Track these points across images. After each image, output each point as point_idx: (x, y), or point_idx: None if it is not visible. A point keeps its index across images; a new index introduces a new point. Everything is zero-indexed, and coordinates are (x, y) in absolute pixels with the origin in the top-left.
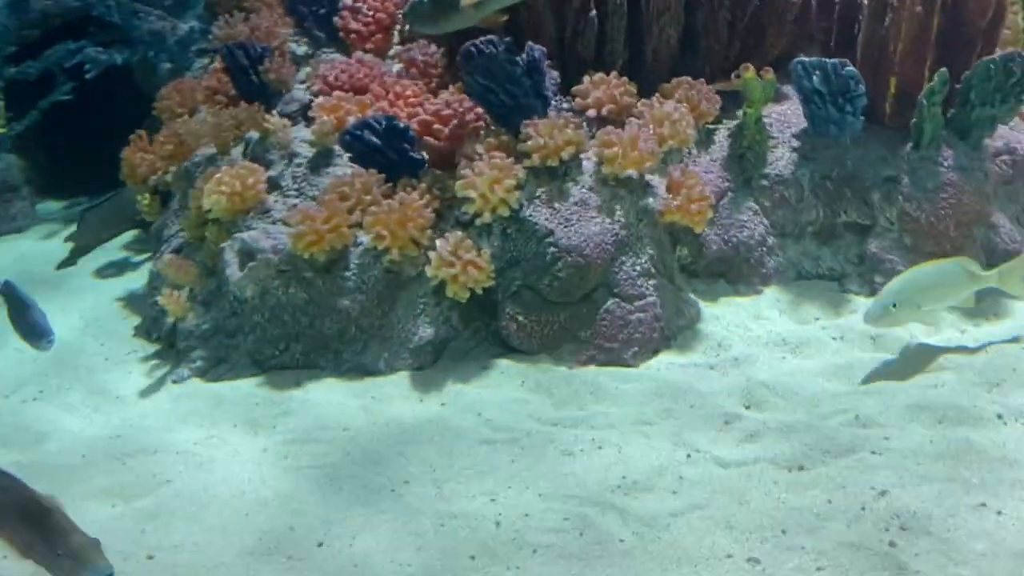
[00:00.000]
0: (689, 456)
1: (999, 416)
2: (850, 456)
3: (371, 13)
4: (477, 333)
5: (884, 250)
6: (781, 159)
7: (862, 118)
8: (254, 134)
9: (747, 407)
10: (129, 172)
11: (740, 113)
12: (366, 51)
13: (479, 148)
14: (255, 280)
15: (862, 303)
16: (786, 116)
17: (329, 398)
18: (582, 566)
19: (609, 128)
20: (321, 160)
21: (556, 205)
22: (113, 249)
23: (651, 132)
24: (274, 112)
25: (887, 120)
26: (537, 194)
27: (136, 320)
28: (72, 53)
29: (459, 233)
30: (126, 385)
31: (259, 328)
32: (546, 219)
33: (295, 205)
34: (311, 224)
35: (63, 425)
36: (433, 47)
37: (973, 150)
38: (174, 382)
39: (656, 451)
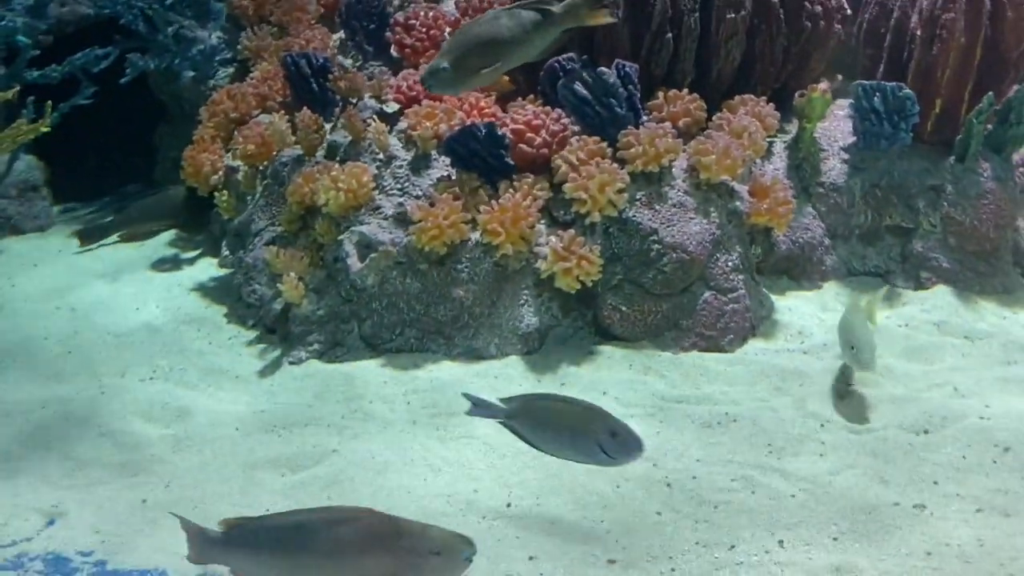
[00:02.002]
0: (823, 425)
1: None
2: (963, 421)
3: (424, 30)
4: (575, 322)
5: (929, 249)
6: (833, 169)
7: (911, 134)
8: (339, 137)
9: (850, 384)
10: (193, 172)
11: (789, 127)
12: (419, 65)
13: (580, 154)
14: (375, 270)
15: (911, 295)
16: (831, 131)
17: (454, 377)
18: (766, 518)
19: (702, 138)
20: (421, 163)
21: (656, 207)
22: (158, 245)
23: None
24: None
25: (927, 137)
26: (637, 197)
27: (220, 308)
28: (100, 58)
29: (571, 231)
30: (240, 366)
31: (376, 314)
32: (649, 219)
33: (401, 203)
34: (434, 220)
35: (197, 402)
36: None
37: (1005, 163)
38: (291, 363)
39: (789, 422)
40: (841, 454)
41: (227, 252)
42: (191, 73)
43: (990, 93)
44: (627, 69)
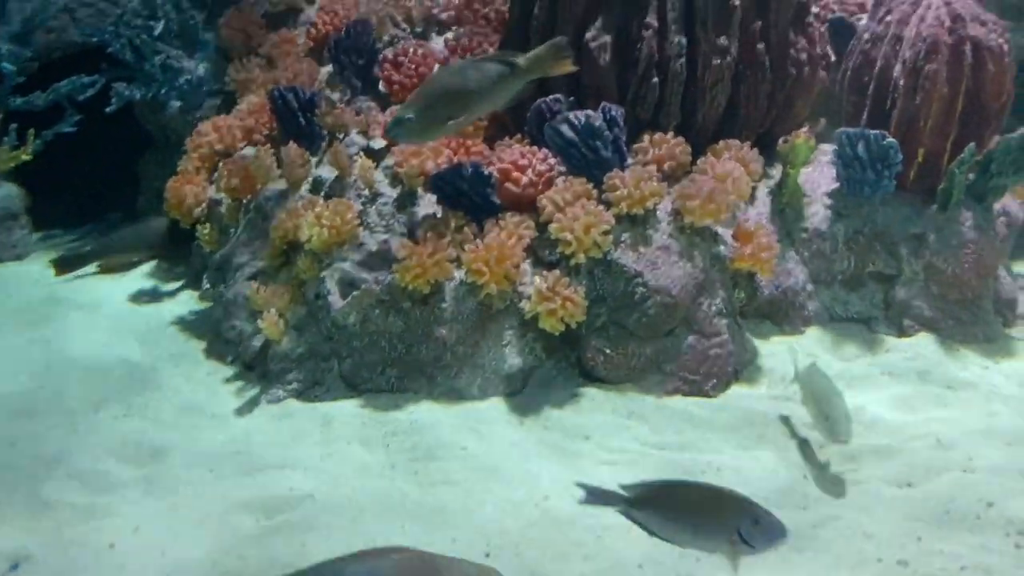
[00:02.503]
0: (805, 476)
1: None
2: (946, 474)
3: (413, 67)
4: (559, 363)
5: (912, 297)
6: (817, 215)
7: (894, 182)
8: (325, 173)
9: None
10: (176, 203)
11: (773, 172)
12: None
13: (567, 195)
14: (357, 308)
15: (894, 343)
16: (814, 177)
17: (434, 419)
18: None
19: (687, 182)
20: (407, 200)
21: (641, 249)
22: (138, 277)
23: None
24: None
25: (909, 185)
26: (622, 239)
27: (199, 343)
28: (85, 86)
29: (556, 272)
30: (217, 404)
31: (357, 353)
32: (633, 261)
33: (385, 240)
34: (418, 258)
35: (172, 441)
36: None
37: (986, 212)
38: (269, 402)
39: (773, 473)
40: (823, 507)
41: (208, 285)
42: (177, 103)
43: (972, 144)
44: (613, 112)
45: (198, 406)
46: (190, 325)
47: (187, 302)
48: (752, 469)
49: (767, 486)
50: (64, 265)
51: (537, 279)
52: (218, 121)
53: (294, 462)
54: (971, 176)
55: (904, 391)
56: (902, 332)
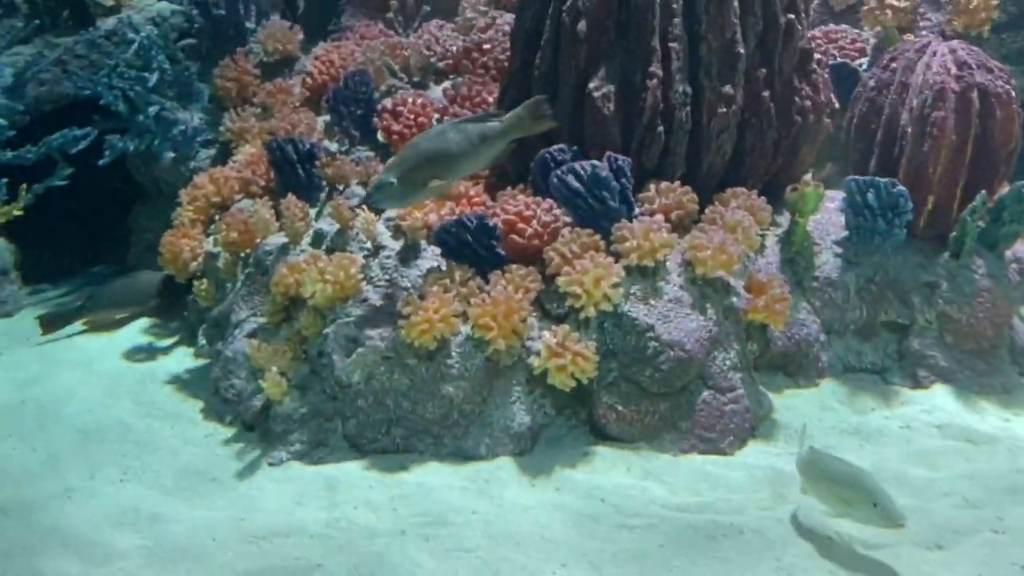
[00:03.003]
0: (831, 538)
1: None
2: (976, 536)
3: (412, 116)
4: (569, 420)
5: (926, 347)
6: (827, 263)
7: (905, 230)
8: (326, 225)
9: None
10: (172, 257)
11: (780, 220)
12: None
13: (574, 247)
14: (362, 365)
15: (909, 395)
16: (823, 225)
17: (442, 481)
18: None
19: (698, 232)
20: (410, 253)
21: (652, 302)
22: (132, 333)
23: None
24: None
25: (919, 232)
26: (632, 291)
27: (195, 403)
28: (78, 139)
29: (565, 326)
30: (217, 467)
31: (361, 412)
32: (644, 315)
33: (389, 295)
34: (424, 313)
35: (171, 508)
36: None
37: (999, 260)
38: (271, 464)
39: (798, 535)
40: (853, 572)
41: (204, 342)
42: (171, 154)
43: (983, 192)
44: (620, 162)
45: (197, 469)
46: (186, 383)
47: (182, 359)
48: (776, 532)
49: (792, 548)
50: (51, 323)
51: (546, 334)
52: (214, 173)
53: (300, 528)
54: (982, 223)
55: (924, 446)
56: (917, 383)
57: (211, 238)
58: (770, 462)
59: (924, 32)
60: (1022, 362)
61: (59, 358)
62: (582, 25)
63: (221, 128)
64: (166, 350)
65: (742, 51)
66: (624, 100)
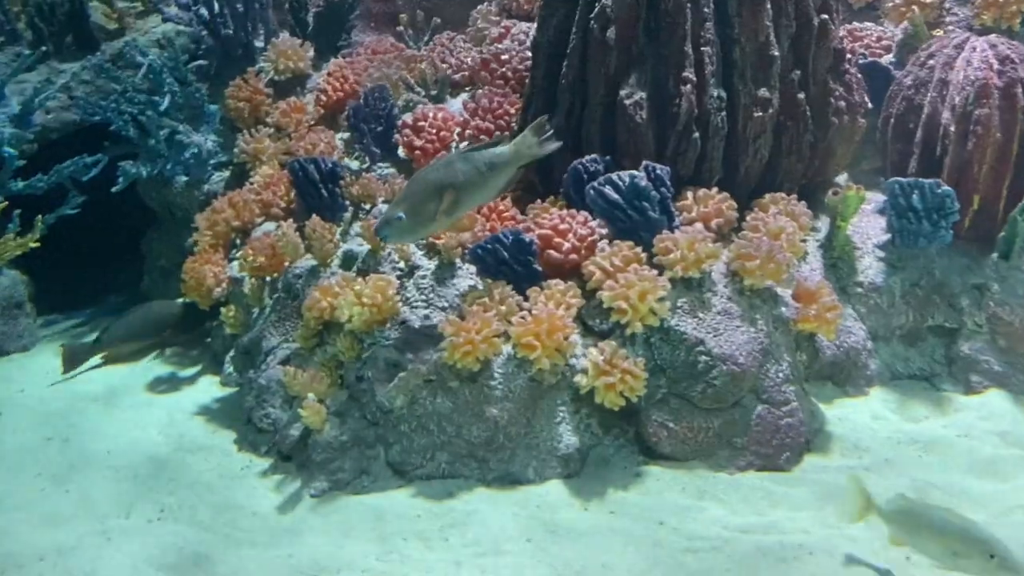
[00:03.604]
0: (908, 558)
1: None
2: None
3: (434, 131)
4: (616, 440)
5: (977, 352)
6: (870, 268)
7: (951, 232)
8: (355, 246)
9: None
10: (195, 284)
11: (819, 224)
12: None
13: (616, 260)
14: (404, 390)
15: (963, 401)
16: (862, 228)
17: (492, 508)
18: None
19: (744, 242)
20: (446, 272)
21: (700, 315)
22: (153, 364)
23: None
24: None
25: (963, 233)
26: (679, 304)
27: (227, 434)
28: (88, 167)
29: (612, 343)
30: (257, 501)
31: (405, 438)
32: (693, 328)
33: (427, 316)
34: (466, 334)
35: (213, 546)
36: None
37: None
38: (313, 496)
39: (869, 555)
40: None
41: (231, 370)
42: (184, 178)
43: None
44: (658, 171)
45: (236, 504)
46: (216, 414)
47: (208, 389)
48: (846, 551)
49: (866, 569)
50: (71, 360)
51: (593, 351)
52: (233, 196)
53: (350, 563)
54: None
55: (987, 455)
56: (970, 389)
57: (234, 263)
58: (830, 478)
59: (951, 27)
60: None
61: (81, 392)
62: (611, 32)
63: (235, 150)
64: (191, 380)
65: (776, 53)
66: (656, 107)
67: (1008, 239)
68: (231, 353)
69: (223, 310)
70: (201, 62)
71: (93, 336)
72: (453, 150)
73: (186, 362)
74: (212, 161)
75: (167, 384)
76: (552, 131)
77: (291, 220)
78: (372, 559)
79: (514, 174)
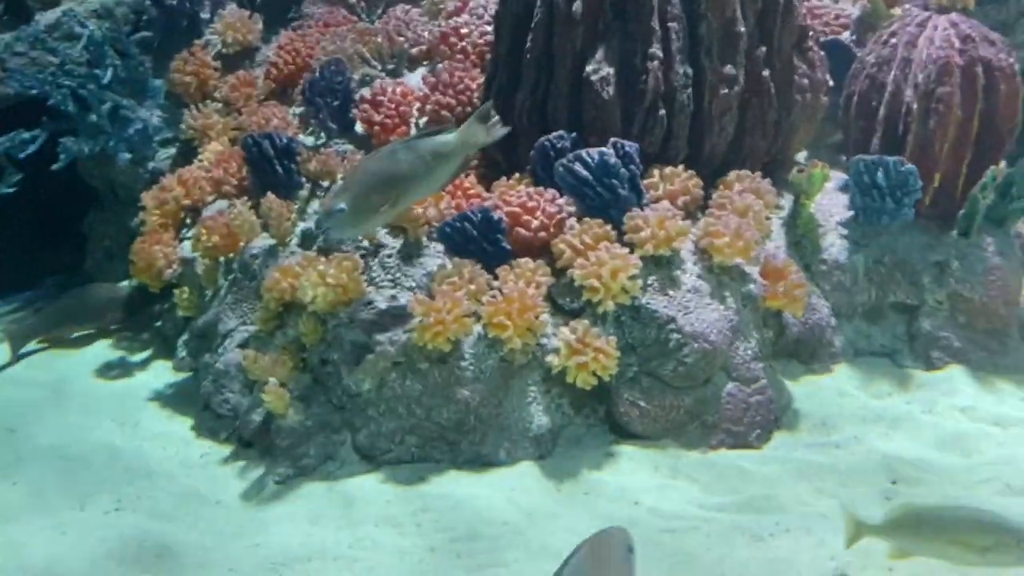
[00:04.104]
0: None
1: None
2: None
3: (393, 106)
4: (588, 419)
5: (938, 328)
6: (833, 246)
7: (913, 210)
8: (314, 224)
9: (894, 482)
10: (145, 266)
11: (781, 202)
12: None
13: (586, 238)
14: (373, 372)
15: (925, 377)
16: (825, 206)
17: (465, 491)
18: None
19: (712, 219)
20: (412, 251)
21: (670, 293)
22: (101, 348)
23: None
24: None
25: (924, 211)
26: (649, 282)
27: (184, 420)
28: (26, 143)
29: (584, 322)
30: (220, 489)
31: (372, 422)
32: (664, 307)
33: (394, 296)
34: (436, 314)
35: (176, 537)
36: None
37: (1007, 236)
38: (278, 483)
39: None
40: (911, 567)
41: (185, 354)
42: (128, 155)
43: (993, 167)
44: (627, 148)
45: (198, 493)
46: (171, 400)
47: (162, 374)
48: (824, 528)
49: (838, 546)
50: (17, 342)
51: (565, 330)
52: (183, 174)
53: (320, 551)
54: (990, 200)
55: (952, 431)
56: (931, 365)
57: (185, 243)
58: (801, 455)
59: (908, 6)
60: None
61: (25, 379)
62: (578, 6)
63: (182, 126)
64: (142, 365)
65: (742, 30)
66: (623, 83)
67: (968, 217)
68: (184, 337)
69: (176, 292)
70: (144, 34)
71: (28, 322)
72: (412, 128)
73: (136, 346)
74: (157, 137)
75: (117, 370)
76: (498, 118)
77: (245, 198)
78: (344, 546)
79: (462, 163)
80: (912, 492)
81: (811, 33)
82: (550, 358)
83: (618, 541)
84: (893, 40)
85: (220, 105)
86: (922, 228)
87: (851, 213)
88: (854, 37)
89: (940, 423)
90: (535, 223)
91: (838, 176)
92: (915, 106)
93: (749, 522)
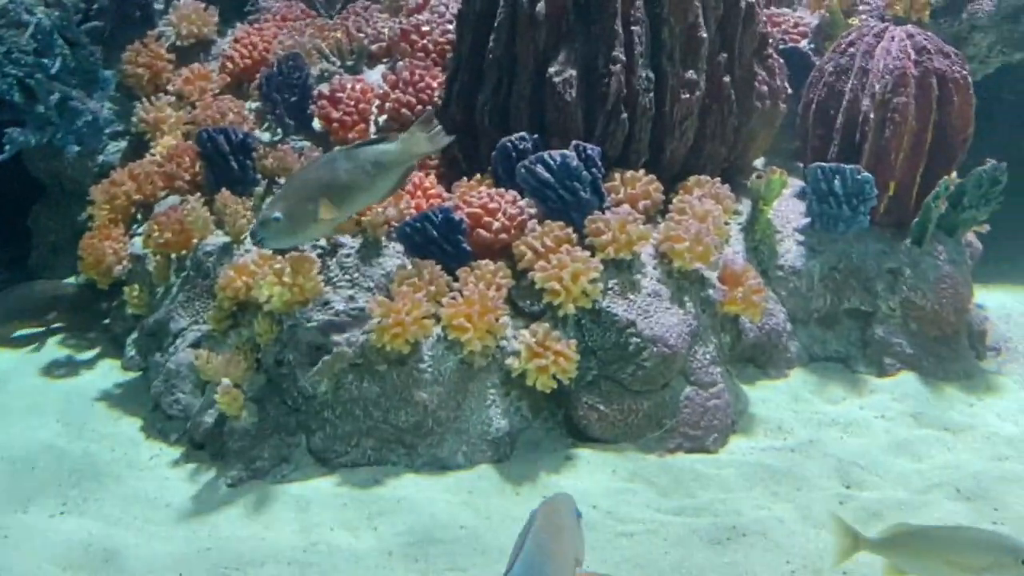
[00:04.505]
0: None
1: None
2: (979, 527)
3: (352, 103)
4: (546, 423)
5: (890, 334)
6: (790, 252)
7: (869, 217)
8: None
9: (848, 487)
10: (94, 262)
11: (740, 208)
12: (348, 140)
13: (547, 241)
14: (329, 374)
15: (877, 383)
16: (782, 212)
17: (423, 495)
18: None
19: (672, 224)
20: (371, 251)
21: (631, 297)
22: (48, 346)
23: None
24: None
25: (878, 219)
26: (610, 286)
27: (132, 421)
28: None
29: (545, 325)
30: (170, 492)
31: (328, 424)
32: (624, 310)
33: (352, 297)
34: (396, 316)
35: (124, 540)
36: None
37: (958, 245)
38: (230, 486)
39: (800, 535)
40: (866, 571)
41: (134, 353)
42: (76, 148)
43: (946, 177)
44: (589, 151)
45: (147, 496)
46: (119, 400)
47: (109, 373)
48: (779, 533)
49: (799, 549)
50: None
51: (525, 333)
52: (134, 168)
53: (275, 555)
54: (942, 209)
55: (904, 436)
56: (883, 371)
57: (136, 239)
58: (756, 459)
59: (864, 16)
60: (979, 347)
61: None
62: (541, 7)
63: (133, 119)
64: (89, 364)
65: (704, 35)
66: (586, 86)
67: (921, 225)
68: (134, 335)
69: (126, 289)
70: (95, 23)
71: None
72: (372, 126)
73: (83, 345)
74: (107, 130)
75: (64, 368)
76: (440, 126)
77: (198, 194)
78: (298, 551)
79: (405, 172)
80: (866, 496)
81: (771, 40)
82: (510, 361)
83: (566, 506)
84: (851, 49)
85: (173, 98)
86: (876, 236)
87: (808, 220)
88: (812, 45)
89: (892, 428)
90: (496, 225)
91: (795, 183)
92: (872, 115)
93: (706, 526)
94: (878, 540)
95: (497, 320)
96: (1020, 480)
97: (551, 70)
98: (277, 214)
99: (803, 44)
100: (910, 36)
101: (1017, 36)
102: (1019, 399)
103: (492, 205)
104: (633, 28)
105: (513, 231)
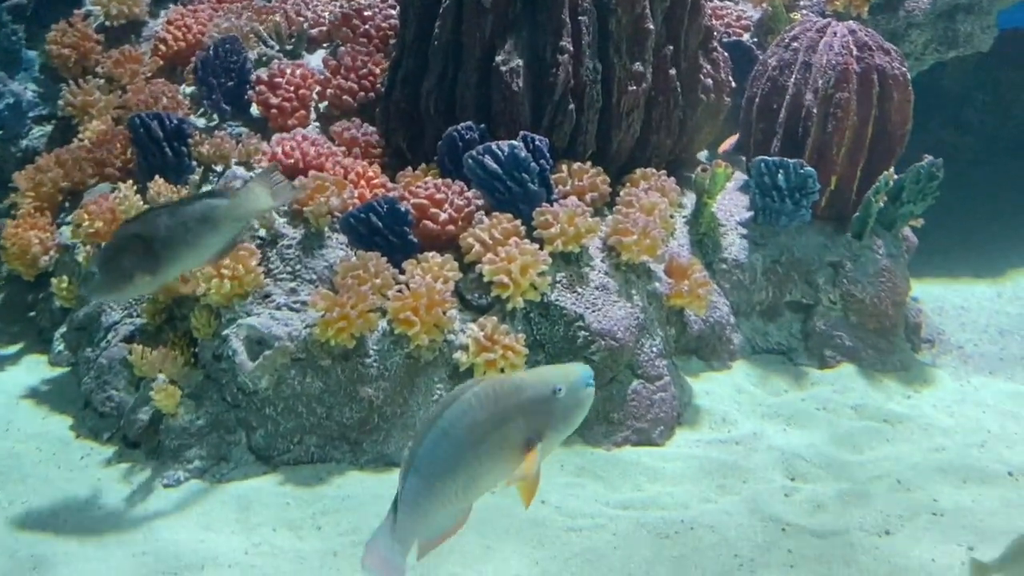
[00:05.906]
0: (783, 530)
1: (1009, 473)
2: (918, 519)
3: (291, 88)
4: None
5: (831, 327)
6: (734, 245)
7: (811, 211)
8: None
9: (792, 479)
10: (19, 253)
11: (684, 201)
12: (287, 128)
13: (495, 233)
14: (270, 369)
15: (818, 375)
16: (726, 206)
17: (367, 492)
18: None
19: (619, 217)
20: (313, 242)
21: (579, 290)
22: None
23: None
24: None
25: (820, 212)
26: (558, 279)
27: (61, 419)
28: None
29: (493, 318)
30: (103, 494)
31: (270, 421)
32: (572, 303)
33: (294, 289)
34: (340, 309)
35: (54, 547)
36: (367, 125)
37: (896, 239)
38: (167, 486)
39: (748, 528)
40: (812, 564)
41: (62, 348)
42: None
43: (887, 172)
44: (537, 142)
45: (78, 497)
46: (46, 397)
47: (35, 369)
48: (726, 525)
49: (747, 542)
50: None
51: (473, 327)
52: (62, 154)
53: (215, 557)
54: (882, 204)
55: (846, 428)
56: (823, 363)
57: (64, 228)
58: (702, 452)
59: (805, 12)
60: (915, 339)
61: None
62: None
63: (59, 102)
64: (13, 359)
65: (651, 27)
66: (533, 76)
67: (861, 219)
68: (62, 329)
69: (54, 281)
70: (17, 0)
71: None
72: (312, 113)
73: (6, 339)
74: (31, 114)
75: None
76: (284, 178)
77: (131, 182)
78: (239, 552)
79: (240, 229)
80: (810, 489)
81: (715, 34)
82: (458, 355)
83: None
84: (795, 44)
85: (102, 81)
86: (818, 229)
87: (751, 213)
88: (755, 40)
89: (834, 420)
90: (443, 216)
91: (738, 176)
92: (815, 110)
93: (654, 520)
94: (1000, 561)
95: (444, 314)
96: (957, 471)
97: (498, 59)
98: (94, 268)
99: (746, 38)
100: (852, 32)
101: (951, 34)
102: (953, 391)
103: (439, 196)
104: (580, 18)
105: (460, 223)
